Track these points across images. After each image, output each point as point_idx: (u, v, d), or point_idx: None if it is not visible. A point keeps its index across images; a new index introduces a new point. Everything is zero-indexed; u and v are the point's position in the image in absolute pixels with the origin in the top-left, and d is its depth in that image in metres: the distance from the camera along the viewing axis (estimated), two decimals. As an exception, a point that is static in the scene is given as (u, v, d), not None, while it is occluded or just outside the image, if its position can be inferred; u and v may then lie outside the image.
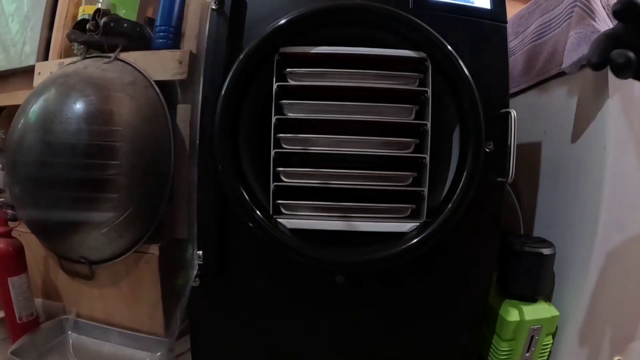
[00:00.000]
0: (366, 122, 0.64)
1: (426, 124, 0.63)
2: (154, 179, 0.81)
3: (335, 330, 0.70)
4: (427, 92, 0.63)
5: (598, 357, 0.76)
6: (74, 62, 0.89)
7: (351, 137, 0.64)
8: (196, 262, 0.65)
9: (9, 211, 0.92)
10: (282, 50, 0.63)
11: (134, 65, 0.86)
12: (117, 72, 0.84)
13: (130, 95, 0.81)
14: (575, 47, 0.73)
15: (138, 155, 0.78)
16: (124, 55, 0.88)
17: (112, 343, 0.88)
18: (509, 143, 0.63)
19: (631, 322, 0.76)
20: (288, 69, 0.63)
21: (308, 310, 0.69)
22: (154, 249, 0.84)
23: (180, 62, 0.84)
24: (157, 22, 0.90)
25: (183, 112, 0.87)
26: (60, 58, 0.99)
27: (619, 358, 0.76)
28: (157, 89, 0.84)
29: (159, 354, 0.82)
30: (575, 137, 0.78)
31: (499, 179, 0.65)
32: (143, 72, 0.86)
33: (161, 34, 0.89)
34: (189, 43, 0.87)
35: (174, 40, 0.89)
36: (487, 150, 0.63)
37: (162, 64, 0.85)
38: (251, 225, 0.63)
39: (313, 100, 0.64)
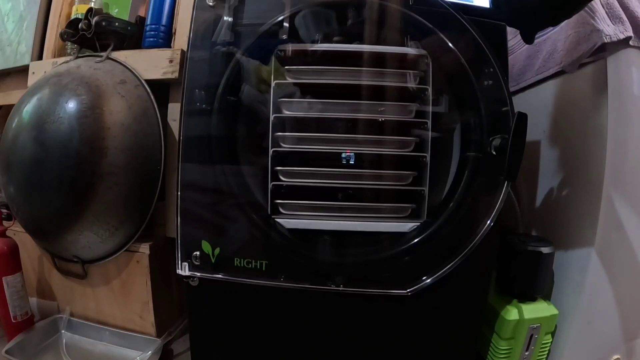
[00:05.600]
0: (366, 121, 0.63)
1: (427, 123, 0.63)
2: (144, 177, 0.81)
3: (334, 328, 0.69)
4: (427, 90, 0.63)
5: (597, 355, 0.76)
6: (67, 62, 0.90)
7: (350, 135, 0.63)
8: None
9: (4, 210, 0.91)
10: (280, 47, 0.62)
11: (124, 64, 0.86)
12: (109, 71, 0.84)
13: (120, 94, 0.81)
14: (574, 46, 0.73)
15: (129, 153, 0.78)
16: (115, 54, 0.88)
17: (104, 342, 0.88)
18: (509, 142, 0.62)
19: (630, 321, 0.75)
20: (286, 66, 0.63)
21: (308, 310, 0.68)
22: (145, 248, 0.84)
23: (170, 61, 0.84)
24: (148, 21, 0.90)
25: (174, 110, 0.87)
26: (55, 57, 0.99)
27: (618, 357, 0.76)
28: (147, 87, 0.85)
29: (149, 352, 0.82)
30: (574, 136, 0.78)
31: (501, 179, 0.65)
32: (133, 70, 0.86)
33: (152, 32, 0.89)
34: (180, 42, 0.87)
35: (164, 39, 0.89)
36: (488, 150, 0.63)
37: (152, 63, 0.85)
38: (249, 225, 0.62)
39: (312, 98, 0.63)
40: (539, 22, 0.66)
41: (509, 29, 0.66)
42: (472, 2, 0.66)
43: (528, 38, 0.68)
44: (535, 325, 0.72)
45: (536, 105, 0.87)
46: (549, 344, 0.75)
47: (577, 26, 0.72)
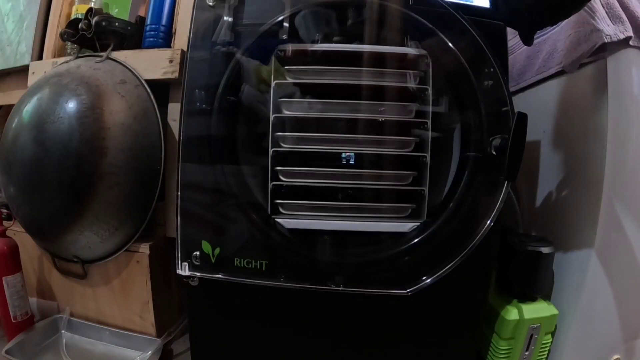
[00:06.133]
0: (366, 121, 0.63)
1: (427, 123, 0.63)
2: (144, 177, 0.81)
3: (334, 328, 0.69)
4: (427, 90, 0.63)
5: (597, 355, 0.76)
6: (67, 62, 0.90)
7: (350, 135, 0.63)
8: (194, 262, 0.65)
9: (4, 210, 0.91)
10: (280, 47, 0.62)
11: (124, 64, 0.87)
12: (109, 71, 0.84)
13: (120, 94, 0.81)
14: (574, 46, 0.73)
15: (129, 153, 0.78)
16: (115, 54, 0.88)
17: (104, 342, 0.88)
18: (509, 142, 0.62)
19: (630, 321, 0.75)
20: (286, 66, 0.63)
21: (308, 310, 0.68)
22: (145, 248, 0.84)
23: (170, 61, 0.84)
24: (148, 21, 0.90)
25: (174, 110, 0.87)
26: (55, 57, 0.99)
27: (618, 357, 0.76)
28: (147, 87, 0.85)
29: (149, 352, 0.82)
30: (574, 136, 0.78)
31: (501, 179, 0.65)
32: (133, 70, 0.86)
33: (152, 32, 0.89)
34: (180, 42, 0.87)
35: (164, 39, 0.89)
36: (488, 150, 0.63)
37: (152, 63, 0.85)
38: (249, 225, 0.63)
39: (312, 98, 0.63)
40: (538, 21, 0.66)
41: (509, 29, 0.66)
42: (472, 2, 0.66)
43: (527, 39, 0.68)
44: (535, 325, 0.72)
45: (536, 105, 0.87)
46: (549, 344, 0.75)
47: (577, 26, 0.72)
